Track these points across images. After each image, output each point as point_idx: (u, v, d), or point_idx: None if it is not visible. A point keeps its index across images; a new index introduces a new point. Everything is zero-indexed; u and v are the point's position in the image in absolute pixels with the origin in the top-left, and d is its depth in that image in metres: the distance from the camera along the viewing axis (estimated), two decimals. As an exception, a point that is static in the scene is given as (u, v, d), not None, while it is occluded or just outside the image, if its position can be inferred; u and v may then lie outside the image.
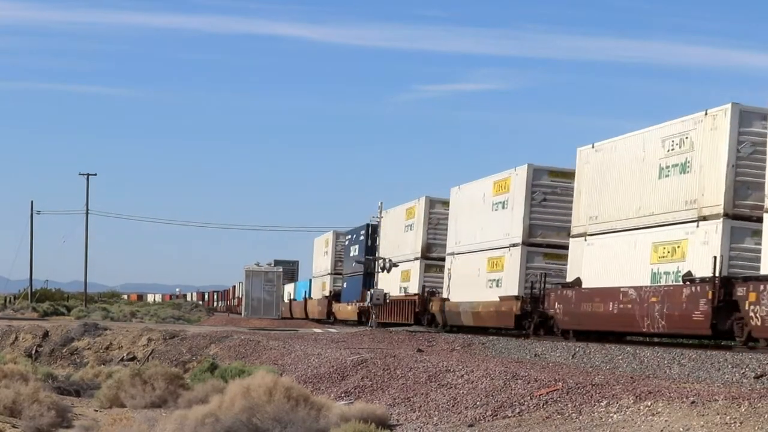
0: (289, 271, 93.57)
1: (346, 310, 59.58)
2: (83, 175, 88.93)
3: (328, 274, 67.99)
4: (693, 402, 15.65)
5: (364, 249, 54.33)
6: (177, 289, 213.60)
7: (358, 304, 55.01)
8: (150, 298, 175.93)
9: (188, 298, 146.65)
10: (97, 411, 24.67)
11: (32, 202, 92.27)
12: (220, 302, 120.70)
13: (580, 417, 16.95)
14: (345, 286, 60.75)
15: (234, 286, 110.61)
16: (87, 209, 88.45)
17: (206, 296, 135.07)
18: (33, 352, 41.10)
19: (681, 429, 14.81)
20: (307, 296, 75.80)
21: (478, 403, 19.64)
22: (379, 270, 50.03)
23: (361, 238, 56.11)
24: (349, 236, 59.90)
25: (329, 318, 64.51)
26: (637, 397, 16.74)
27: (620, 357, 24.82)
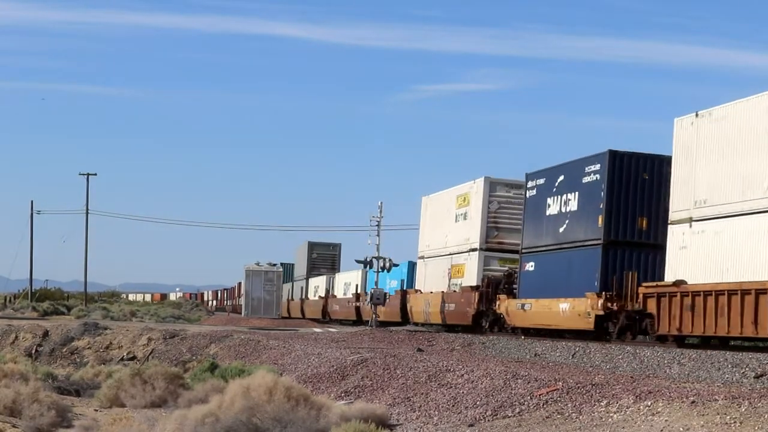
0: (328, 257, 79.67)
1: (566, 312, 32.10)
2: (83, 175, 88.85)
3: (470, 250, 40.05)
4: (693, 402, 15.65)
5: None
6: (177, 289, 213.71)
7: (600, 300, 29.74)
8: (172, 296, 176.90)
9: (205, 297, 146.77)
10: (97, 411, 24.67)
11: (32, 202, 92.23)
12: (228, 300, 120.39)
13: (580, 417, 16.95)
14: (533, 268, 34.81)
15: (240, 283, 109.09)
16: (87, 209, 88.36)
17: (219, 294, 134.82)
18: (33, 351, 41.09)
19: (681, 429, 14.80)
20: (411, 287, 49.12)
21: (478, 402, 19.64)
22: (379, 270, 50.02)
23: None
24: (540, 179, 34.97)
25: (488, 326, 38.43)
26: (637, 396, 16.73)
27: (620, 357, 24.81)
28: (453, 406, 20.06)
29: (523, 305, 34.29)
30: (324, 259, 78.66)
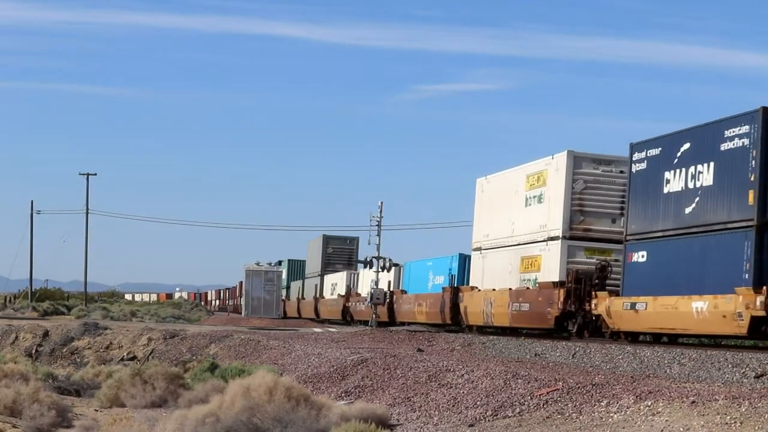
0: (345, 252, 73.38)
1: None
2: (83, 175, 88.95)
3: (549, 239, 33.56)
4: (693, 402, 15.65)
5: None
6: (177, 289, 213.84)
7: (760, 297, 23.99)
8: (177, 295, 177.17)
9: (208, 297, 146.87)
10: (97, 411, 24.67)
11: (32, 202, 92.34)
12: (229, 300, 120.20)
13: (581, 417, 16.96)
14: (644, 258, 28.79)
15: (241, 282, 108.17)
16: (87, 209, 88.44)
17: (221, 294, 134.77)
18: (33, 351, 41.10)
19: (681, 429, 14.81)
20: (464, 284, 42.24)
21: (478, 402, 19.65)
22: (379, 269, 50.01)
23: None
24: (652, 150, 28.93)
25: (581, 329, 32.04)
26: (637, 396, 16.74)
27: (620, 357, 24.80)
28: (453, 406, 20.07)
29: (633, 305, 27.86)
30: (340, 254, 72.77)
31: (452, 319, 42.18)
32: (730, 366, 20.94)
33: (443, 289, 43.85)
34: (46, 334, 42.96)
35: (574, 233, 32.74)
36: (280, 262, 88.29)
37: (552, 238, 33.27)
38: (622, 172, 31.82)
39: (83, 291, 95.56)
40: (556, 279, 32.32)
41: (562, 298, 31.71)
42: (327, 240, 73.65)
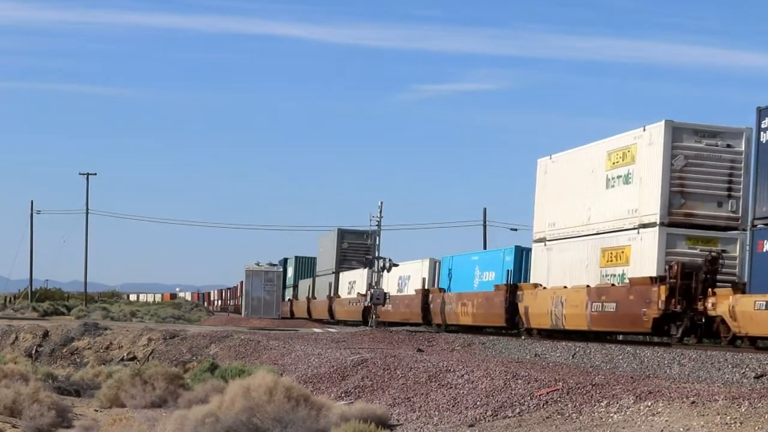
0: (362, 247, 65.33)
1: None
2: (83, 175, 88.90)
3: (641, 226, 29.10)
4: (693, 402, 15.65)
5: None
6: (177, 289, 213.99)
7: None
8: (181, 295, 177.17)
9: (211, 297, 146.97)
10: (97, 411, 24.67)
11: (32, 202, 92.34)
12: (231, 300, 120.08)
13: (581, 417, 16.95)
14: None
15: (242, 282, 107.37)
16: (87, 209, 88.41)
17: (223, 294, 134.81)
18: (33, 351, 41.10)
19: (681, 429, 14.80)
20: (522, 280, 37.04)
21: (478, 403, 19.64)
22: (379, 269, 49.94)
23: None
24: None
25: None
26: (637, 397, 16.74)
27: (620, 357, 24.80)
28: (453, 406, 20.07)
29: None
30: (357, 249, 65.35)
31: (508, 321, 36.63)
32: (730, 366, 20.95)
33: (496, 287, 37.95)
34: (46, 334, 42.96)
35: (674, 219, 28.05)
36: (286, 260, 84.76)
37: (645, 225, 28.56)
38: (729, 146, 28.16)
39: (83, 291, 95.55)
40: (653, 273, 27.70)
41: (663, 297, 27.06)
42: (342, 235, 66.84)
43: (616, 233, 29.91)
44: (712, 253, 27.20)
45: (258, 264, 79.27)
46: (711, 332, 26.82)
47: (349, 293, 60.46)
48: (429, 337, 36.48)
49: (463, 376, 21.94)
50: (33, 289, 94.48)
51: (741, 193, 27.90)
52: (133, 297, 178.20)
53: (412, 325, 47.81)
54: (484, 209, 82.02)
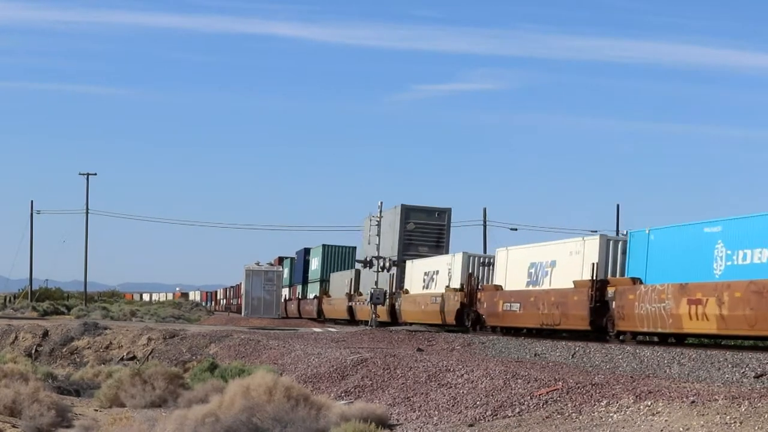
0: (432, 230, 50.78)
1: None
2: (83, 175, 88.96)
3: None
4: (693, 402, 15.65)
5: None
6: (177, 288, 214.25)
7: None
8: (192, 295, 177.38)
9: (218, 296, 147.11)
10: (97, 411, 24.67)
11: (32, 201, 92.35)
12: (233, 299, 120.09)
13: (580, 417, 16.95)
14: None
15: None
16: (87, 209, 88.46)
17: (227, 293, 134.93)
18: (33, 351, 41.10)
19: (681, 429, 14.80)
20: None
21: (478, 402, 19.65)
22: (379, 270, 49.83)
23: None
24: None
25: None
26: (637, 396, 16.74)
27: (620, 357, 24.81)
28: (453, 406, 20.07)
29: None
30: (426, 231, 50.17)
31: None
32: (730, 366, 20.96)
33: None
34: (45, 334, 42.96)
35: None
36: (307, 250, 76.90)
37: None
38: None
39: (83, 291, 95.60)
40: None
41: None
42: (407, 213, 50.66)
43: None
44: None
45: (258, 264, 79.31)
46: None
47: (427, 287, 45.32)
48: (429, 336, 36.47)
49: (462, 375, 21.95)
50: (33, 289, 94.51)
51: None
52: (146, 297, 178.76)
53: (569, 333, 33.22)
54: (484, 209, 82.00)
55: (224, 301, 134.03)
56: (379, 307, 48.71)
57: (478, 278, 40.11)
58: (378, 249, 49.79)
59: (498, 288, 37.57)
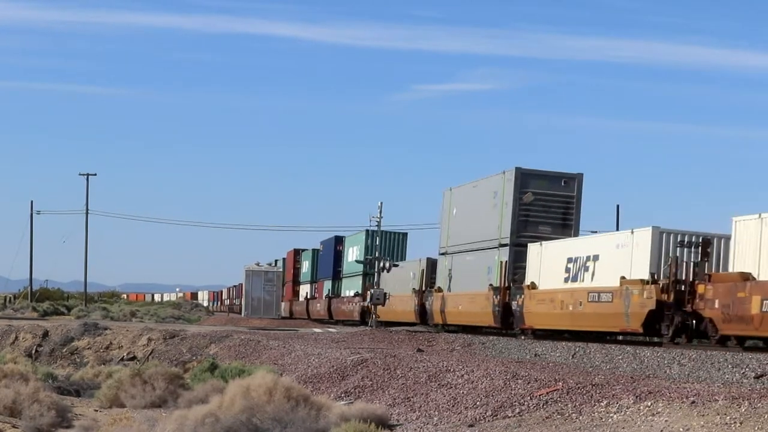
0: (558, 201, 37.83)
1: None
2: (83, 175, 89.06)
3: None
4: (693, 402, 15.65)
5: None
6: (177, 289, 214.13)
7: None
8: (200, 295, 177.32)
9: (223, 296, 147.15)
10: (97, 411, 24.66)
11: (32, 202, 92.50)
12: (236, 299, 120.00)
13: (580, 417, 16.95)
14: None
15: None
16: (87, 209, 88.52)
17: (230, 292, 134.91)
18: (33, 351, 41.11)
19: (681, 429, 14.80)
20: None
21: (478, 403, 19.64)
22: (379, 270, 49.78)
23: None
24: None
25: None
26: (637, 397, 16.74)
27: (620, 357, 24.81)
28: (453, 406, 20.07)
29: None
30: (548, 206, 37.47)
31: None
32: (729, 366, 20.96)
33: None
34: (45, 334, 42.96)
35: None
36: (339, 239, 64.71)
37: None
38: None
39: (83, 291, 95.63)
40: None
41: None
42: (524, 179, 37.34)
43: None
44: None
45: (258, 264, 79.39)
46: None
47: (574, 280, 32.54)
48: (429, 337, 36.47)
49: (462, 376, 21.94)
50: (33, 289, 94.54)
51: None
52: (157, 297, 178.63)
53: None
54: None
55: (227, 300, 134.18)
56: (482, 307, 37.19)
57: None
58: (378, 250, 49.34)
59: (748, 278, 25.13)
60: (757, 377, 19.75)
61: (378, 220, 50.86)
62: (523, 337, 33.38)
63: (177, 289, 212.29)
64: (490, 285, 36.93)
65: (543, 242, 32.59)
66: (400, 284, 49.01)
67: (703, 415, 15.01)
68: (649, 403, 16.18)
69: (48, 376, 29.93)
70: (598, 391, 17.93)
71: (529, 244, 33.16)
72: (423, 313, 44.79)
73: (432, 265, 45.46)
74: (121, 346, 40.59)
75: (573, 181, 37.52)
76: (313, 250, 74.22)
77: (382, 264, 49.40)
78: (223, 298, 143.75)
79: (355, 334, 39.72)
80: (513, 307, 35.40)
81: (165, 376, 25.93)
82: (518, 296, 35.17)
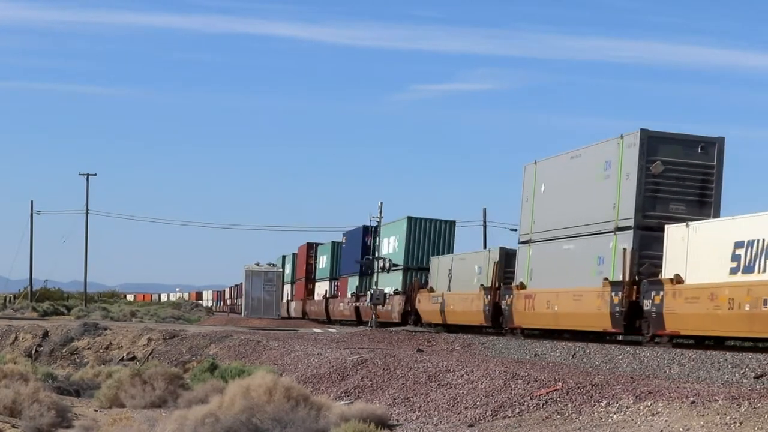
0: (696, 173, 28.97)
1: None
2: (83, 175, 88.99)
3: None
4: (693, 402, 15.65)
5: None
6: (177, 289, 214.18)
7: None
8: (205, 295, 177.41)
9: (226, 295, 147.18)
10: (97, 411, 24.67)
11: (32, 202, 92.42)
12: (237, 299, 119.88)
13: (580, 417, 16.96)
14: None
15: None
16: (87, 209, 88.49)
17: (232, 292, 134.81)
18: (33, 351, 41.10)
19: (681, 429, 14.81)
20: None
21: (478, 403, 19.65)
22: (379, 270, 49.75)
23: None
24: None
25: None
26: (637, 397, 16.74)
27: (620, 357, 24.80)
28: (453, 406, 20.07)
29: None
30: (683, 178, 29.14)
31: None
32: (729, 366, 20.96)
33: None
34: (45, 334, 42.95)
35: None
36: (367, 229, 55.95)
37: None
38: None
39: (83, 291, 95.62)
40: None
41: None
42: (651, 143, 29.14)
43: None
44: None
45: (258, 264, 79.37)
46: None
47: (751, 270, 24.26)
48: (429, 337, 36.47)
49: (462, 376, 21.94)
50: (33, 289, 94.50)
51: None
52: (164, 297, 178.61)
53: None
54: (484, 209, 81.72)
55: (229, 300, 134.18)
56: (596, 307, 28.84)
57: None
58: (378, 250, 49.32)
59: None
60: (757, 377, 19.75)
61: (378, 219, 50.84)
62: (653, 346, 26.42)
63: (177, 289, 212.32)
64: (606, 279, 29.13)
65: (690, 223, 26.15)
66: (459, 280, 41.33)
67: (703, 415, 15.01)
68: (649, 403, 16.18)
69: (48, 376, 29.92)
70: (598, 391, 17.93)
71: (666, 226, 26.94)
72: (496, 315, 36.85)
73: (506, 256, 37.90)
74: (121, 347, 40.58)
75: (713, 146, 29.46)
76: (333, 242, 66.80)
77: (381, 264, 49.35)
78: (225, 297, 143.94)
79: (355, 334, 39.71)
80: (645, 307, 27.40)
81: (165, 376, 25.92)
82: (653, 293, 27.17)
